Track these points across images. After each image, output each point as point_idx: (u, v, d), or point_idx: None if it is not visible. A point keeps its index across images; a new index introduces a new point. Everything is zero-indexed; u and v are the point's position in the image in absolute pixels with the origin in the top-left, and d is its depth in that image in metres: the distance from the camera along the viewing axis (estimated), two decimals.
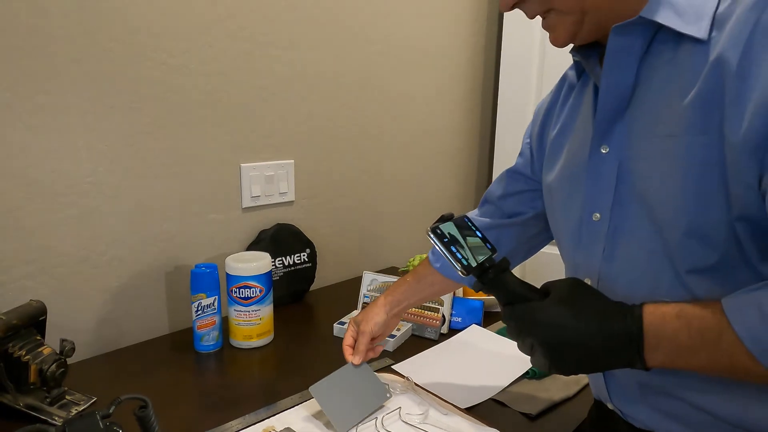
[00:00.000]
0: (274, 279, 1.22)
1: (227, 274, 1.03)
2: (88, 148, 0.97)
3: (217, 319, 1.02)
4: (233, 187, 1.19)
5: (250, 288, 1.01)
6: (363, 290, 1.20)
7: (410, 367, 0.97)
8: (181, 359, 1.00)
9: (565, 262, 0.73)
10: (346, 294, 1.30)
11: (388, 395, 0.82)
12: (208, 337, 1.02)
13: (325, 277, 1.41)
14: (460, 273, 0.56)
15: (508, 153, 1.69)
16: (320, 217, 1.39)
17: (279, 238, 1.25)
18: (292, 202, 1.32)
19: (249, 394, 0.88)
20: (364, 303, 1.19)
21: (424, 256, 1.28)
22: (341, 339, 1.08)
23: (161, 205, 1.08)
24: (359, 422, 0.77)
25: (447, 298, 1.12)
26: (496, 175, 1.68)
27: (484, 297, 1.20)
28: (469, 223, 0.61)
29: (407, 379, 0.89)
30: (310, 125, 1.32)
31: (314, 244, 1.32)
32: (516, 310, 0.56)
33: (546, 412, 0.85)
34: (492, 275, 0.56)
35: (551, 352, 0.54)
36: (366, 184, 1.50)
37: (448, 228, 0.58)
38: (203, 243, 1.16)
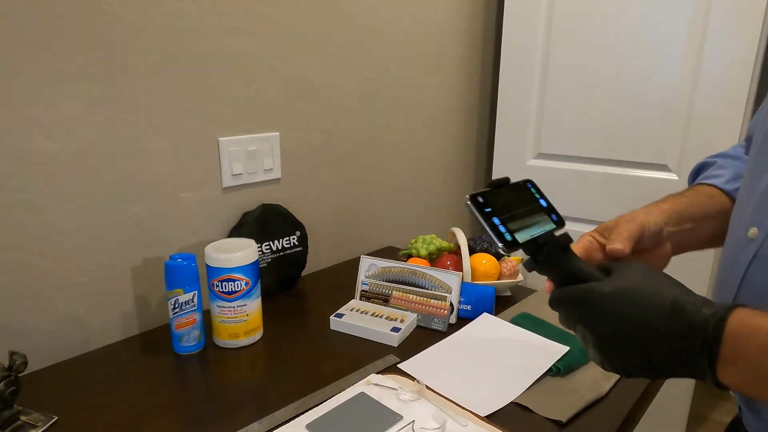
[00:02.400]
0: (261, 266, 1.10)
1: (207, 265, 0.90)
2: (36, 122, 0.82)
3: (197, 316, 0.90)
4: (211, 164, 1.05)
5: (234, 281, 0.89)
6: (361, 276, 1.08)
7: (418, 365, 0.86)
8: (159, 363, 0.88)
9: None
10: (342, 280, 1.19)
11: (397, 417, 0.71)
12: (188, 338, 0.90)
13: (317, 261, 1.29)
14: (502, 250, 0.47)
15: (509, 121, 1.56)
16: (310, 195, 1.26)
17: (265, 221, 1.12)
18: (279, 179, 1.18)
19: (238, 403, 0.77)
20: (362, 291, 1.07)
21: (428, 237, 1.17)
22: (339, 334, 0.97)
23: (128, 187, 0.94)
24: None
25: (455, 284, 1.00)
26: (498, 142, 1.56)
27: (496, 282, 1.09)
28: (531, 189, 0.53)
29: (418, 382, 0.78)
30: (297, 93, 1.17)
31: (304, 225, 1.19)
32: (567, 291, 0.47)
33: (577, 416, 0.75)
34: (546, 253, 0.48)
35: (604, 345, 0.46)
36: (360, 158, 1.36)
37: (492, 196, 0.49)
38: (179, 229, 1.03)
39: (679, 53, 1.29)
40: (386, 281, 1.06)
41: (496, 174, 1.63)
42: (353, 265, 1.12)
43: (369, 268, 1.08)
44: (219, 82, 1.03)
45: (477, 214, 0.48)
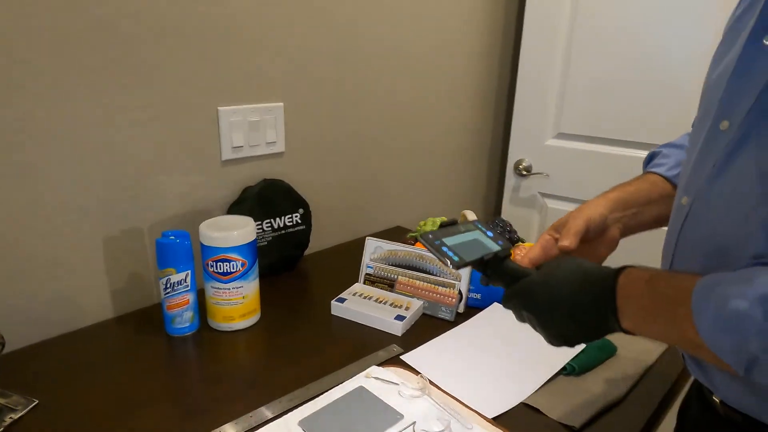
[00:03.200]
0: (261, 245, 1.05)
1: (202, 244, 0.84)
2: (17, 85, 0.76)
3: (191, 297, 0.85)
4: (210, 135, 0.99)
5: (229, 262, 0.83)
6: (365, 259, 1.02)
7: (422, 358, 0.81)
8: (150, 344, 0.84)
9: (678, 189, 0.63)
10: (346, 261, 1.13)
11: (398, 416, 0.66)
12: (181, 319, 0.85)
13: (321, 240, 1.24)
14: (451, 269, 0.62)
15: (529, 100, 1.48)
16: (315, 170, 1.20)
17: (266, 197, 1.06)
18: (282, 153, 1.11)
19: (229, 392, 0.72)
20: (366, 275, 1.01)
21: (438, 219, 1.10)
22: (340, 319, 0.92)
23: (120, 159, 0.88)
24: None
25: (465, 272, 0.94)
26: (516, 121, 1.48)
27: None
28: (479, 225, 0.64)
29: (421, 376, 0.73)
30: (303, 61, 1.09)
31: (308, 203, 1.13)
32: (510, 290, 0.59)
33: (591, 421, 0.69)
34: (491, 267, 0.59)
35: (545, 322, 0.56)
36: (370, 134, 1.29)
37: (442, 232, 0.60)
38: (173, 204, 0.97)
39: (704, 36, 1.19)
40: (392, 265, 1.00)
41: (513, 154, 1.55)
42: (358, 245, 1.06)
43: (374, 250, 1.02)
44: (220, 49, 0.95)
45: (429, 246, 0.56)
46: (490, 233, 0.63)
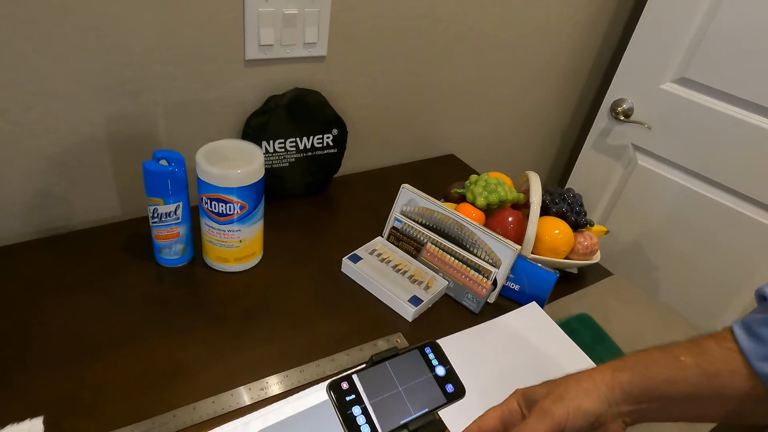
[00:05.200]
0: (283, 165, 0.90)
1: (197, 177, 0.70)
2: None
3: (181, 230, 0.74)
4: (232, 28, 0.79)
5: (226, 203, 0.70)
6: (396, 210, 0.86)
7: None
8: (133, 265, 0.75)
9: None
10: (377, 195, 0.96)
11: None
12: (170, 251, 0.75)
13: (356, 160, 1.07)
14: None
15: (651, 33, 1.14)
16: (361, 83, 0.99)
17: (296, 110, 0.88)
18: (322, 58, 0.91)
19: (195, 357, 0.64)
20: (392, 229, 0.86)
21: (493, 179, 0.89)
22: (348, 280, 0.79)
23: (119, 45, 0.72)
24: None
25: (507, 258, 0.77)
26: (627, 57, 1.17)
27: (563, 261, 0.84)
28: (430, 355, 0.49)
29: None
30: None
31: (345, 122, 0.94)
32: None
33: None
34: None
35: None
36: (431, 49, 1.04)
37: (366, 376, 0.45)
38: (177, 112, 0.82)
39: None
40: (424, 225, 0.84)
41: (613, 93, 1.24)
42: (398, 173, 0.89)
43: (408, 202, 0.85)
44: None
45: (334, 405, 0.43)
46: (441, 369, 0.48)
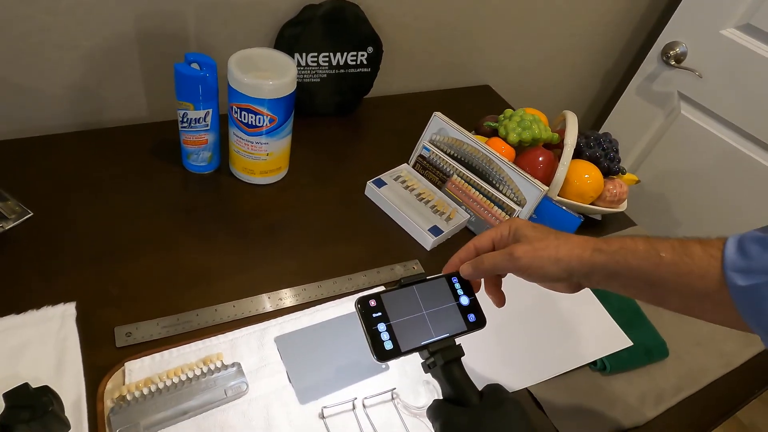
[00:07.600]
0: (313, 80, 0.88)
1: (228, 84, 0.69)
2: None
3: (210, 137, 0.74)
4: None
5: (256, 114, 0.69)
6: (425, 138, 0.85)
7: None
8: (161, 169, 0.76)
9: None
10: (408, 121, 0.94)
11: (383, 366, 0.58)
12: (197, 158, 0.76)
13: (389, 84, 1.04)
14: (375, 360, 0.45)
15: None
16: (403, 2, 0.93)
17: (332, 23, 0.84)
18: None
19: (213, 268, 0.66)
20: (419, 157, 0.85)
21: (529, 115, 0.87)
22: (371, 204, 0.80)
23: None
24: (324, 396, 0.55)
25: (533, 198, 0.76)
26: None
27: (589, 206, 0.83)
28: (456, 284, 0.50)
29: None
30: None
31: (381, 41, 0.90)
32: (437, 410, 0.44)
33: None
34: (435, 363, 0.46)
35: None
36: None
37: (393, 298, 0.47)
38: (208, 13, 0.79)
39: None
40: (452, 156, 0.83)
41: (667, 35, 1.16)
42: (431, 100, 0.87)
43: (438, 131, 0.84)
44: None
45: (361, 320, 0.46)
46: (465, 299, 0.50)
